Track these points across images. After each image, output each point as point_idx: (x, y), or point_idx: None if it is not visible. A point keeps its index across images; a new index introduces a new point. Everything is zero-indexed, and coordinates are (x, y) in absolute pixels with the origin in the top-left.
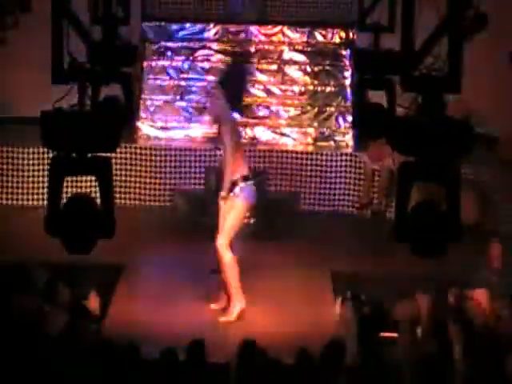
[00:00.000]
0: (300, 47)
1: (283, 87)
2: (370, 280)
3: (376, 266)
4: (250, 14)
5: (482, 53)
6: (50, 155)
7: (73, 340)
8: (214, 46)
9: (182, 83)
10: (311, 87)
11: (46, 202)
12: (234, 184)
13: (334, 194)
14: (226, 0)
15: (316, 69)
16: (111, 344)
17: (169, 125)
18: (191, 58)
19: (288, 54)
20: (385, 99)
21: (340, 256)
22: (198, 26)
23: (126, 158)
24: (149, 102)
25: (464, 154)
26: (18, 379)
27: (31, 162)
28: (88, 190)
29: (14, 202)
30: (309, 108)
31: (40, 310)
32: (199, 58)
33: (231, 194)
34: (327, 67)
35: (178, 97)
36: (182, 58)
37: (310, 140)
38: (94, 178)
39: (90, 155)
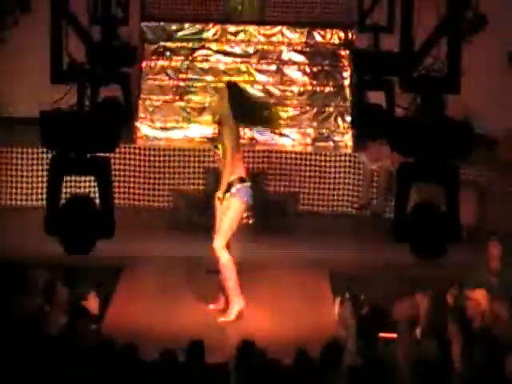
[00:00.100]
0: (299, 47)
1: (282, 87)
2: (369, 280)
3: (375, 266)
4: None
5: (481, 53)
6: (50, 155)
7: (72, 340)
8: (213, 46)
9: (181, 83)
10: (310, 88)
11: (45, 202)
12: (230, 185)
13: (333, 195)
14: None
15: (315, 69)
16: (111, 344)
17: (168, 125)
18: (190, 58)
19: (287, 55)
20: (384, 100)
21: (339, 256)
22: (197, 27)
23: (125, 159)
24: (148, 103)
25: (463, 154)
26: (18, 379)
27: (30, 162)
28: (87, 190)
29: (14, 202)
30: (308, 108)
31: (39, 310)
32: (198, 59)
33: (227, 195)
34: (326, 68)
35: (177, 97)
36: (181, 58)
37: (309, 140)
38: (93, 179)
39: (89, 155)
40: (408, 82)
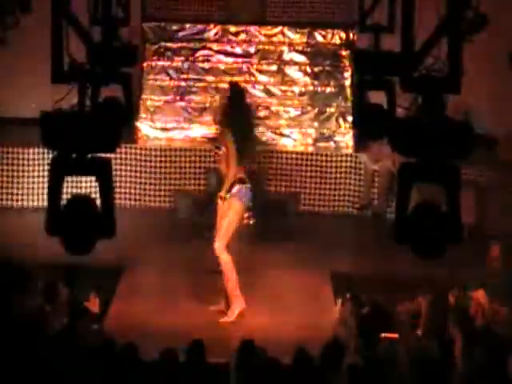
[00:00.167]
0: (300, 48)
1: (283, 88)
2: (370, 281)
3: (376, 266)
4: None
5: (482, 53)
6: (50, 156)
7: (73, 340)
8: (214, 46)
9: (182, 84)
10: (311, 88)
11: (46, 203)
12: (230, 186)
13: (334, 195)
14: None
15: (316, 69)
16: (111, 344)
17: (169, 125)
18: (191, 58)
19: (288, 55)
20: (385, 100)
21: (340, 257)
22: (198, 27)
23: (125, 159)
24: (149, 103)
25: (464, 154)
26: (19, 379)
27: (31, 162)
28: (88, 190)
29: (14, 202)
30: (309, 108)
31: (40, 311)
32: (199, 59)
33: (228, 196)
34: (327, 68)
35: (177, 97)
36: (182, 58)
37: (310, 141)
38: (93, 179)
39: (89, 156)
40: (409, 82)
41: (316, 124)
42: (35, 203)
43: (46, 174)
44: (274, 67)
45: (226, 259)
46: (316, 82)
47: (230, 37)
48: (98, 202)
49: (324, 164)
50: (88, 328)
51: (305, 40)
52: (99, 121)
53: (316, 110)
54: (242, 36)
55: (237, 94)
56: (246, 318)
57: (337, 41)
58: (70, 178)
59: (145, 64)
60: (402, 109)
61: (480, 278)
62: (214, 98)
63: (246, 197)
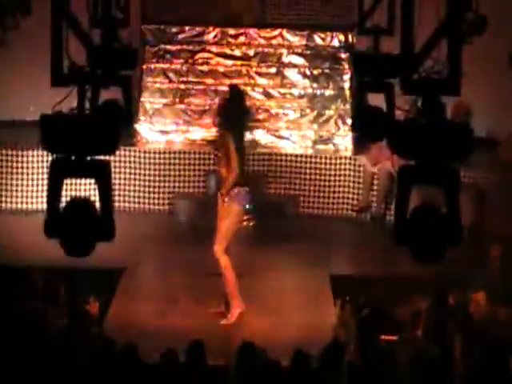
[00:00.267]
0: (299, 50)
1: (282, 90)
2: (370, 282)
3: (375, 268)
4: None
5: (482, 54)
6: (50, 158)
7: (73, 343)
8: (214, 49)
9: (182, 86)
10: (310, 90)
11: (45, 205)
12: (228, 188)
13: (334, 197)
14: (226, 3)
15: (315, 72)
16: (111, 346)
17: (168, 128)
18: (190, 60)
19: (287, 57)
20: (384, 102)
21: (339, 259)
22: (198, 29)
23: (125, 161)
24: (148, 105)
25: (464, 156)
26: (19, 381)
27: (30, 165)
28: (87, 193)
29: (14, 205)
30: (308, 111)
31: (40, 313)
32: (199, 61)
33: (228, 197)
34: (326, 70)
35: (177, 100)
36: (182, 60)
37: (309, 143)
38: (93, 181)
39: (89, 158)
40: (408, 84)
41: (315, 126)
42: (34, 206)
43: (45, 176)
44: (273, 70)
45: (225, 262)
46: (315, 85)
47: (230, 39)
48: (98, 204)
49: (323, 166)
50: (88, 330)
51: (304, 42)
52: (99, 123)
53: (315, 113)
54: (242, 39)
55: (236, 97)
56: (246, 320)
57: (336, 43)
58: (69, 181)
59: (144, 66)
60: (401, 111)
61: (480, 279)
62: (214, 101)
63: (245, 200)
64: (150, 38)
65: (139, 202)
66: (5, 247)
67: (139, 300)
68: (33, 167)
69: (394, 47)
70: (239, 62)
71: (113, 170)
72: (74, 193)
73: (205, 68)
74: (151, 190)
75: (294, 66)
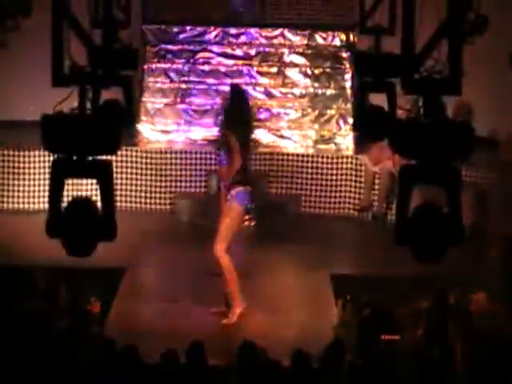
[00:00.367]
0: (300, 50)
1: (284, 90)
2: (371, 282)
3: (376, 268)
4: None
5: (482, 54)
6: (51, 158)
7: (73, 342)
8: (215, 48)
9: (183, 86)
10: (312, 90)
11: (47, 205)
12: (229, 188)
13: (335, 197)
14: (227, 2)
15: (316, 71)
16: (111, 346)
17: (169, 128)
18: (192, 60)
19: (288, 57)
20: (385, 102)
21: (340, 258)
22: (199, 29)
23: (126, 161)
24: (149, 105)
25: (465, 155)
26: (20, 381)
27: (32, 165)
28: (89, 193)
29: (16, 205)
30: (309, 111)
31: (42, 313)
32: (200, 61)
33: (229, 197)
34: (328, 70)
35: (178, 99)
36: (183, 60)
37: (310, 143)
38: (94, 181)
39: (90, 158)
40: (409, 84)
41: (316, 126)
42: (36, 206)
43: (46, 176)
44: (274, 69)
45: (225, 261)
46: (316, 84)
47: (231, 39)
48: (99, 204)
49: (324, 166)
50: (89, 330)
51: (305, 42)
52: (100, 123)
53: (316, 112)
54: (243, 38)
55: (238, 95)
56: (247, 320)
57: (337, 43)
58: (70, 181)
59: (145, 66)
60: (402, 111)
61: (480, 279)
62: (215, 101)
63: (246, 200)
64: (150, 38)
65: (140, 202)
66: (6, 247)
67: (140, 300)
68: (34, 167)
69: (395, 47)
70: (240, 62)
71: (114, 169)
72: (75, 193)
73: (206, 68)
74: (152, 189)
75: (296, 65)
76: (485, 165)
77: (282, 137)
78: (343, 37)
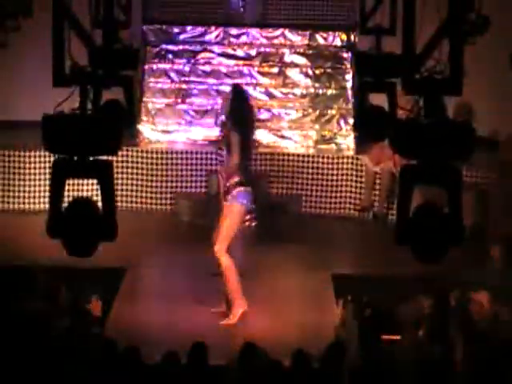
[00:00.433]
0: (301, 50)
1: (284, 90)
2: (372, 282)
3: (377, 268)
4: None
5: (483, 54)
6: (52, 159)
7: (75, 343)
8: (216, 48)
9: (184, 86)
10: (312, 90)
11: (47, 206)
12: (229, 188)
13: (336, 197)
14: (227, 3)
15: (317, 71)
16: (113, 347)
17: (170, 128)
18: (192, 60)
19: (289, 57)
20: (386, 102)
21: (341, 258)
22: (199, 29)
23: (127, 161)
24: (150, 105)
25: (465, 156)
26: (20, 381)
27: (33, 165)
28: (89, 193)
29: (16, 205)
30: (310, 111)
31: (42, 313)
32: (200, 61)
33: (229, 196)
34: (328, 70)
35: (179, 100)
36: (183, 60)
37: (311, 143)
38: (95, 181)
39: (91, 158)
40: (410, 84)
41: (317, 126)
42: (37, 206)
43: (47, 176)
44: (275, 69)
45: (226, 262)
46: (317, 84)
47: (232, 39)
48: (100, 204)
49: (325, 166)
50: (89, 330)
51: (306, 42)
52: (101, 124)
53: (317, 112)
54: (244, 38)
55: (239, 95)
56: (248, 320)
57: (338, 43)
58: (71, 181)
59: (146, 66)
60: (403, 111)
61: (481, 279)
62: (216, 101)
63: (247, 200)
64: (151, 38)
65: (141, 202)
66: (6, 247)
67: (141, 300)
68: (35, 168)
69: (395, 47)
70: (241, 62)
71: (115, 169)
72: (76, 193)
73: (207, 68)
74: (153, 189)
75: (296, 65)
76: (485, 165)
77: (282, 137)
78: (344, 37)
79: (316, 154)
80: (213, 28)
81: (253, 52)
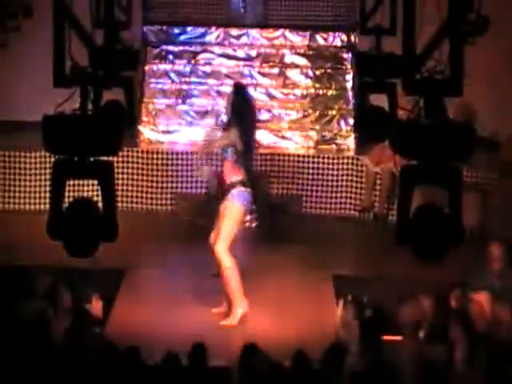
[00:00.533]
0: (301, 50)
1: (285, 91)
2: (372, 283)
3: (378, 268)
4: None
5: (484, 55)
6: (52, 159)
7: (75, 343)
8: (216, 49)
9: (184, 87)
10: (313, 90)
11: (48, 206)
12: (230, 187)
13: (336, 197)
14: (228, 3)
15: (317, 72)
16: (113, 348)
17: (171, 128)
18: (193, 61)
19: (289, 58)
20: (386, 102)
21: (342, 259)
22: (200, 30)
23: (127, 162)
24: (150, 106)
25: (466, 156)
26: (20, 381)
27: (33, 166)
28: (90, 193)
29: (17, 206)
30: (310, 111)
31: (42, 314)
32: (201, 62)
33: (229, 196)
34: (329, 70)
35: (179, 100)
36: (184, 61)
37: (311, 143)
38: (96, 182)
39: (91, 159)
40: (410, 85)
41: (317, 127)
42: (37, 206)
43: (48, 177)
44: (275, 70)
45: (228, 263)
46: (317, 85)
47: (232, 40)
48: (100, 205)
49: (326, 166)
50: (89, 331)
51: (306, 43)
52: (101, 124)
53: (317, 113)
54: (244, 39)
55: (241, 94)
56: (248, 320)
57: (338, 43)
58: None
59: (146, 67)
60: (403, 111)
61: (481, 280)
62: (216, 102)
63: (246, 199)
64: (152, 39)
65: (142, 203)
66: (6, 247)
67: (141, 300)
68: (35, 168)
69: (396, 47)
70: (241, 63)
71: (115, 170)
72: (76, 193)
73: (207, 69)
74: (153, 190)
75: (297, 66)
76: (485, 165)
77: (283, 138)
78: (344, 37)
79: (316, 154)
80: (213, 29)
81: (253, 53)
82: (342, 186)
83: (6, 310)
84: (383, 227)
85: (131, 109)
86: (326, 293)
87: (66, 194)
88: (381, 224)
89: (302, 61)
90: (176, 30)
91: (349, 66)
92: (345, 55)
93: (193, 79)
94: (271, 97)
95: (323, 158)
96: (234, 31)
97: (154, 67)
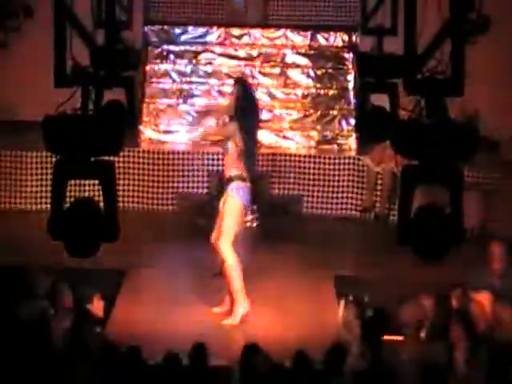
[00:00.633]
0: (303, 50)
1: (286, 90)
2: (373, 283)
3: (379, 268)
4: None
5: (485, 55)
6: (53, 159)
7: (76, 343)
8: (217, 49)
9: (185, 87)
10: (314, 90)
11: (49, 206)
12: (229, 180)
13: (337, 197)
14: (229, 3)
15: (319, 72)
16: (114, 348)
17: (172, 128)
18: (194, 61)
19: (291, 58)
20: (388, 102)
21: (343, 259)
22: (201, 30)
23: (128, 162)
24: (152, 106)
25: (467, 156)
26: (20, 382)
27: (34, 166)
28: (91, 193)
29: (18, 206)
30: (312, 111)
31: (43, 314)
32: (202, 62)
33: (228, 190)
34: (330, 70)
35: (180, 100)
36: (185, 61)
37: (312, 143)
38: (97, 182)
39: (93, 159)
40: (412, 85)
41: (319, 127)
42: (38, 206)
43: (49, 177)
44: (276, 70)
45: (232, 260)
46: (318, 85)
47: (233, 40)
48: (101, 205)
49: (327, 166)
50: (90, 331)
51: (307, 43)
52: (102, 124)
53: (319, 113)
54: (245, 39)
55: (243, 89)
56: (249, 320)
57: (339, 43)
58: (73, 182)
59: (147, 67)
60: (404, 111)
61: (482, 280)
62: (217, 101)
63: (245, 195)
64: (153, 39)
65: (143, 202)
66: (7, 247)
67: (142, 300)
68: (36, 168)
69: (397, 47)
70: (243, 63)
71: (117, 170)
72: (78, 193)
73: (208, 68)
74: (155, 190)
75: (298, 66)
76: (487, 165)
77: (284, 137)
78: (345, 37)
79: (317, 154)
80: (214, 28)
81: (254, 52)
82: (343, 186)
83: (7, 309)
84: (384, 227)
85: (132, 109)
86: (327, 293)
87: (67, 193)
88: (382, 224)
89: (304, 61)
90: (177, 30)
91: (350, 66)
92: (346, 55)
93: (194, 79)
94: (272, 97)
95: (324, 158)
96: (235, 31)
97: (155, 67)
